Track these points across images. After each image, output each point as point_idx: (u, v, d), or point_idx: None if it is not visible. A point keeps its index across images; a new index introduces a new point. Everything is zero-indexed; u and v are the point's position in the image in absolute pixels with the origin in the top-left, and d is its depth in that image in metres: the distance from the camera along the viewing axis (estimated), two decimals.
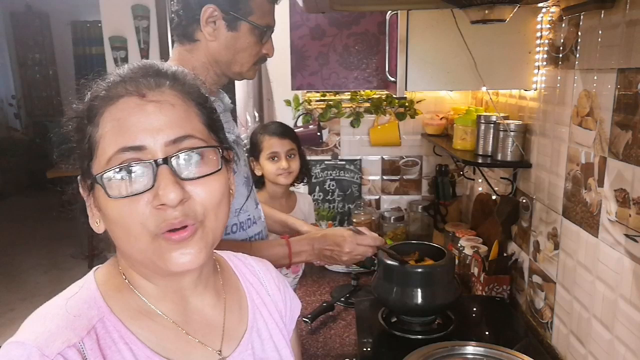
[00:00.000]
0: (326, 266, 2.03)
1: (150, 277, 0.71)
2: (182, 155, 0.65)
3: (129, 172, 0.63)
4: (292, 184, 1.92)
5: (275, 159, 1.83)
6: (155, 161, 0.63)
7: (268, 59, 1.36)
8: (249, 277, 0.86)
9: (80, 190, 0.69)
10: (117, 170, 0.63)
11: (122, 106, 0.65)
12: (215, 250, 0.85)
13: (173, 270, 0.67)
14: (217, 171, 0.67)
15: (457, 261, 1.89)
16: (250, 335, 0.79)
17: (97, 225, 0.69)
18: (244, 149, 1.45)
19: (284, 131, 1.86)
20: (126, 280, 0.72)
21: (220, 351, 0.75)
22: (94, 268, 0.75)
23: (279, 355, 0.82)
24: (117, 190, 0.63)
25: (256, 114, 2.74)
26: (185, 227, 0.65)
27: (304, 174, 1.93)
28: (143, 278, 0.71)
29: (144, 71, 0.69)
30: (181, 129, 0.66)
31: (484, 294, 1.69)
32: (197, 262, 0.66)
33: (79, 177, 0.69)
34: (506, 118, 1.67)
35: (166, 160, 0.63)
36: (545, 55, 1.48)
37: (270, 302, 0.86)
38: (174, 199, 0.62)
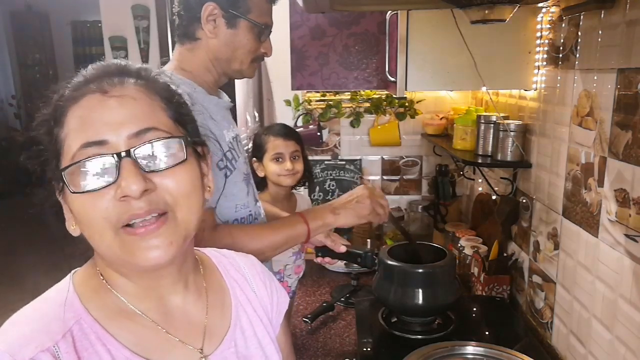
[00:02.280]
0: (326, 266, 2.03)
1: (128, 275, 0.70)
2: (145, 147, 0.64)
3: (92, 166, 0.63)
4: (294, 187, 1.93)
5: (280, 160, 1.82)
6: (118, 154, 0.63)
7: (268, 58, 1.39)
8: (233, 274, 0.86)
9: (57, 193, 0.68)
10: (79, 165, 0.63)
11: (85, 104, 0.65)
12: (198, 249, 0.85)
13: (143, 265, 0.66)
14: (182, 162, 0.67)
15: (457, 261, 1.89)
16: (233, 332, 0.79)
17: (73, 228, 0.68)
18: (245, 148, 1.46)
19: (288, 132, 1.86)
20: (103, 281, 0.71)
21: (201, 349, 0.74)
22: (73, 271, 0.75)
23: (263, 352, 0.82)
24: (80, 185, 0.63)
25: (256, 114, 2.74)
26: (152, 217, 0.64)
27: (307, 177, 1.93)
28: (121, 276, 0.70)
29: (107, 69, 0.70)
30: (144, 121, 0.66)
31: (484, 294, 1.69)
32: (166, 256, 0.65)
33: (53, 182, 0.68)
34: (506, 118, 1.67)
35: (128, 153, 0.63)
36: (545, 55, 1.48)
37: (255, 299, 0.85)
38: (135, 190, 0.61)
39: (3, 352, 0.61)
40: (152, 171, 0.65)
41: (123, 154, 0.63)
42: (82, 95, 0.66)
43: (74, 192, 0.63)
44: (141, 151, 0.64)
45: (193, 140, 0.72)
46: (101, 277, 0.72)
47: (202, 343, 0.75)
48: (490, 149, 1.69)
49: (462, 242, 1.95)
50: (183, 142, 0.68)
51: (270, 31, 1.34)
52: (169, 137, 0.66)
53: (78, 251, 0.76)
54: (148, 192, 0.63)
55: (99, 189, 0.63)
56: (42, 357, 0.61)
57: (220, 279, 0.84)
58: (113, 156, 0.63)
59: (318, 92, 2.40)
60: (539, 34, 1.51)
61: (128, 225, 0.64)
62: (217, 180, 1.24)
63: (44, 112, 0.69)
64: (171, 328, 0.73)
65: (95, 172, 0.63)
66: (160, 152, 0.65)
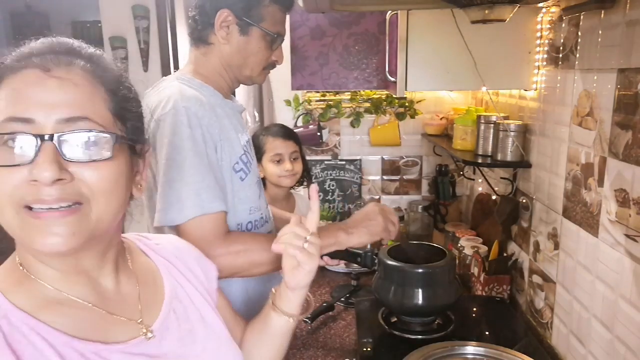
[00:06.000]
0: (326, 266, 2.02)
1: (44, 261, 0.68)
2: (72, 135, 0.62)
3: (10, 142, 0.61)
4: (292, 187, 1.93)
5: (279, 161, 1.82)
6: (41, 136, 0.61)
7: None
8: (160, 252, 0.87)
9: None
10: None
11: (22, 78, 0.64)
12: (124, 235, 0.85)
13: (40, 251, 0.64)
14: (107, 159, 0.64)
15: (457, 261, 1.89)
16: (170, 303, 0.81)
17: None
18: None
19: (287, 133, 1.86)
20: (24, 271, 0.69)
21: (141, 321, 0.75)
22: None
23: (202, 317, 0.84)
24: None
25: (256, 114, 2.74)
26: (61, 207, 0.62)
27: (305, 177, 1.93)
28: (40, 262, 0.68)
29: (56, 47, 0.68)
30: (79, 109, 0.63)
31: (484, 294, 1.69)
32: (65, 246, 0.63)
33: None
34: (506, 118, 1.67)
35: (52, 137, 0.61)
36: (545, 55, 1.48)
37: (187, 270, 0.88)
38: (47, 177, 0.60)
39: None
40: (72, 161, 0.62)
41: (46, 137, 0.61)
42: (23, 67, 0.64)
43: None
44: (67, 138, 0.62)
45: (130, 137, 0.70)
46: (21, 268, 0.70)
47: (141, 317, 0.76)
48: (490, 149, 1.69)
49: (462, 242, 1.95)
50: (113, 140, 0.65)
51: (283, 40, 1.35)
52: (99, 131, 0.64)
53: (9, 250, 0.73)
54: (61, 181, 0.61)
55: (11, 166, 0.61)
56: None
57: (147, 259, 0.86)
58: (35, 137, 0.61)
59: (318, 92, 2.40)
60: (539, 34, 1.51)
61: (29, 207, 0.62)
62: (232, 182, 1.25)
63: None
64: (109, 307, 0.73)
65: (12, 148, 0.61)
66: (86, 143, 0.63)
